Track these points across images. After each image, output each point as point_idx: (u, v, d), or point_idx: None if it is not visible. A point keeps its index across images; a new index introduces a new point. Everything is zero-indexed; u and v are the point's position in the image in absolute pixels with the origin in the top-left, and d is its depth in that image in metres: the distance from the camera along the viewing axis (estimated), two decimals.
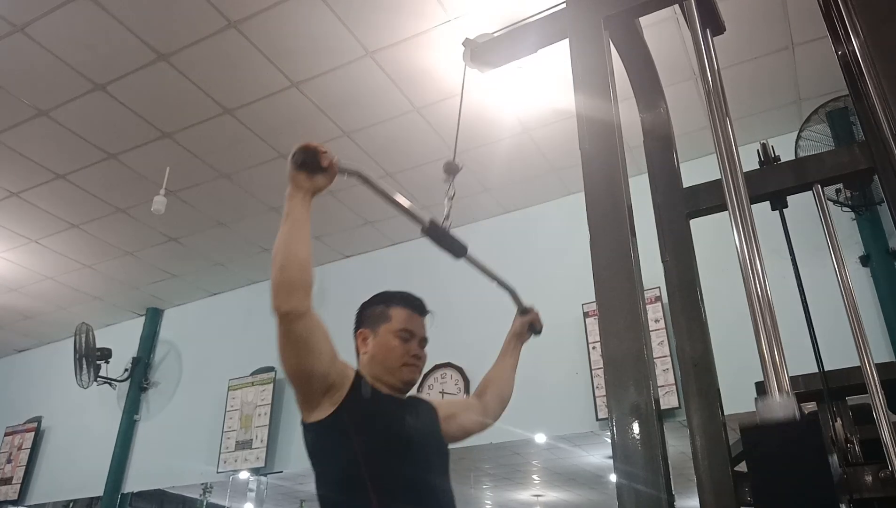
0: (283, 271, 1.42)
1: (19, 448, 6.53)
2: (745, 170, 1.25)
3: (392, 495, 1.53)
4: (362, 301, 1.89)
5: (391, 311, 1.81)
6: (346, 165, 1.57)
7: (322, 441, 1.61)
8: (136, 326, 6.46)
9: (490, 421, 2.03)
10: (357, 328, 1.84)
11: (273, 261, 1.44)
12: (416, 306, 1.85)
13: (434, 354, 5.30)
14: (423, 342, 1.85)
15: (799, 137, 3.77)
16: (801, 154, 3.64)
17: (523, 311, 2.13)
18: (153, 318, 6.45)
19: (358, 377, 1.65)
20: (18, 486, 6.31)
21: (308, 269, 1.45)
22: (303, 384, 1.57)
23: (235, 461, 5.21)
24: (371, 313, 1.83)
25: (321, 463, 1.63)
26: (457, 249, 1.76)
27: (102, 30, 3.47)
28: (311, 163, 1.49)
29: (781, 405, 0.96)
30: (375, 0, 3.35)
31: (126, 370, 6.14)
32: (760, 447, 0.96)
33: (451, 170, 1.92)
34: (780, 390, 0.98)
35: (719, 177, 1.22)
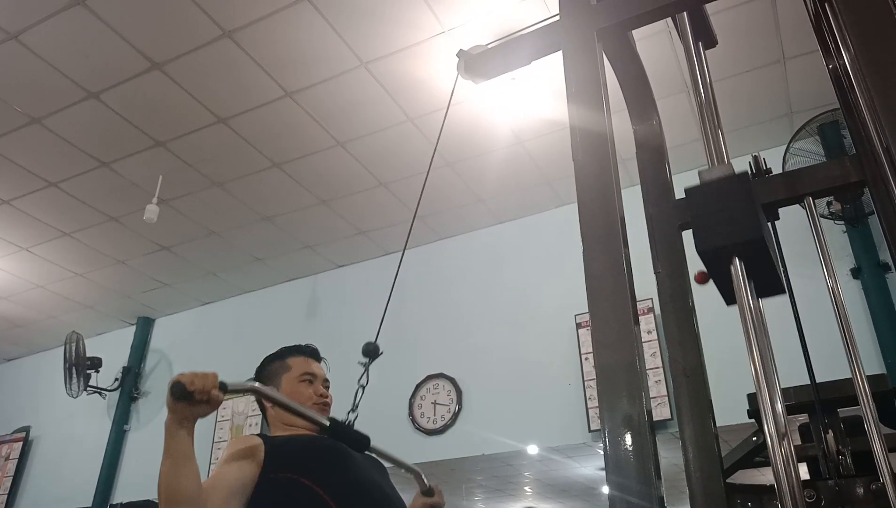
0: (170, 506, 1.37)
1: (7, 459, 6.46)
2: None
3: (341, 495, 1.57)
4: (263, 359, 1.93)
5: (288, 361, 1.86)
6: (234, 385, 1.45)
7: (264, 500, 1.59)
8: (127, 335, 6.42)
9: None
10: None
11: (158, 496, 1.38)
12: (310, 352, 1.91)
13: (427, 364, 5.32)
14: (326, 383, 1.89)
15: (787, 151, 3.79)
16: (789, 169, 3.67)
17: (426, 492, 2.06)
18: (144, 327, 6.42)
19: (263, 440, 1.65)
20: (5, 497, 6.24)
21: (198, 500, 1.38)
22: None
23: None
24: (269, 370, 1.87)
25: None
26: (359, 443, 1.71)
27: (96, 38, 3.47)
28: (191, 396, 1.38)
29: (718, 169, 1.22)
30: (370, 11, 3.36)
31: (116, 379, 6.10)
32: (700, 200, 1.20)
33: (371, 354, 1.84)
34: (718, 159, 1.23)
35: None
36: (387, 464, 1.90)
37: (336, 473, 1.64)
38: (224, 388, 1.40)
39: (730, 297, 1.15)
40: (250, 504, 1.56)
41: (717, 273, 1.17)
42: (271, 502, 1.57)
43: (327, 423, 1.68)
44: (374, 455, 1.85)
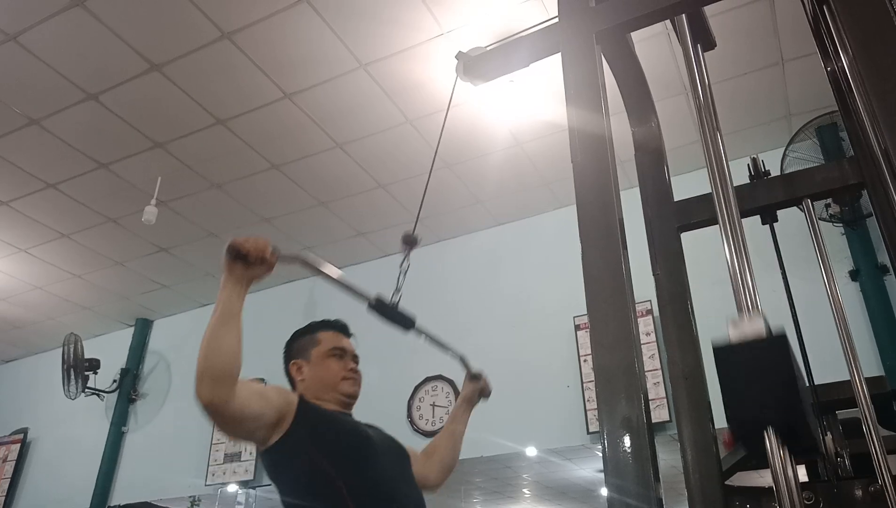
0: (208, 361, 1.42)
1: (4, 460, 6.45)
2: (735, 184, 1.26)
3: (359, 491, 1.56)
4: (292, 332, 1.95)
5: (318, 336, 1.87)
6: (286, 253, 1.55)
7: (281, 461, 1.63)
8: (126, 336, 6.41)
9: (429, 485, 2.01)
10: (288, 361, 1.87)
11: (200, 350, 1.43)
12: (340, 327, 1.92)
13: (426, 366, 5.31)
14: (356, 358, 1.90)
15: (785, 154, 3.80)
16: (787, 171, 3.67)
17: (473, 377, 2.15)
18: (142, 329, 6.41)
19: (301, 398, 1.68)
20: (3, 498, 6.23)
21: (236, 361, 1.44)
22: (252, 440, 1.62)
23: (224, 473, 5.17)
24: (299, 344, 1.88)
25: (284, 482, 1.64)
26: (405, 322, 1.78)
27: (95, 39, 3.47)
28: (246, 259, 1.47)
29: (751, 325, 1.01)
30: (369, 13, 3.37)
31: (114, 381, 6.09)
32: (731, 364, 1.01)
33: (410, 242, 1.90)
34: (749, 310, 1.02)
35: (710, 191, 1.22)
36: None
37: (358, 460, 1.63)
38: (277, 253, 1.51)
39: (762, 461, 1.01)
40: (268, 456, 1.59)
41: (748, 440, 1.03)
42: (288, 465, 1.59)
43: (373, 299, 1.73)
44: (421, 335, 1.91)
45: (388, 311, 1.76)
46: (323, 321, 1.91)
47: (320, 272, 1.66)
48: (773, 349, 1.00)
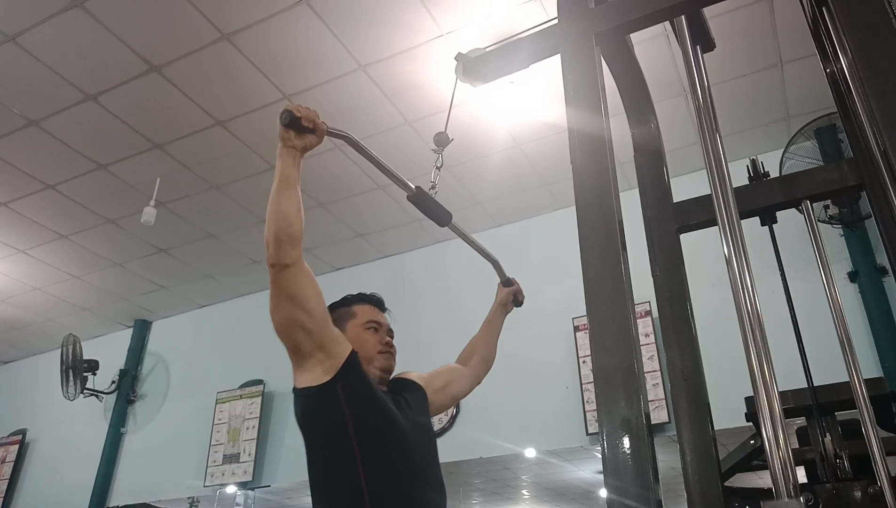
0: (275, 225, 1.50)
1: (3, 461, 6.44)
2: (734, 185, 1.26)
3: (376, 483, 1.53)
4: None
5: (354, 308, 1.84)
6: (334, 129, 1.62)
7: (312, 410, 1.59)
8: (124, 337, 6.40)
9: (477, 384, 2.18)
10: None
11: (267, 216, 1.51)
12: (376, 301, 1.90)
13: (425, 367, 5.27)
14: (391, 332, 1.88)
15: (784, 155, 3.80)
16: (787, 172, 3.67)
17: (506, 282, 2.27)
18: (141, 330, 6.40)
19: (354, 353, 1.63)
20: (1, 500, 6.22)
21: (295, 224, 1.51)
22: (289, 340, 1.57)
23: (223, 474, 5.16)
24: (334, 316, 1.81)
25: (310, 435, 1.61)
26: (442, 216, 1.85)
27: (94, 40, 3.47)
28: (298, 123, 1.53)
29: None
30: (369, 14, 3.37)
31: (113, 382, 6.09)
32: None
33: (442, 142, 2.04)
34: (786, 491, 0.94)
35: (709, 192, 1.22)
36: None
37: (385, 450, 1.59)
38: (325, 124, 1.58)
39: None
40: (306, 404, 1.59)
41: None
42: (319, 423, 1.58)
43: (414, 189, 1.79)
44: (456, 232, 2.00)
45: (428, 202, 1.81)
46: (359, 294, 1.89)
47: (366, 153, 1.74)
48: None
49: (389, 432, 1.61)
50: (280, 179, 1.53)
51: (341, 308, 1.84)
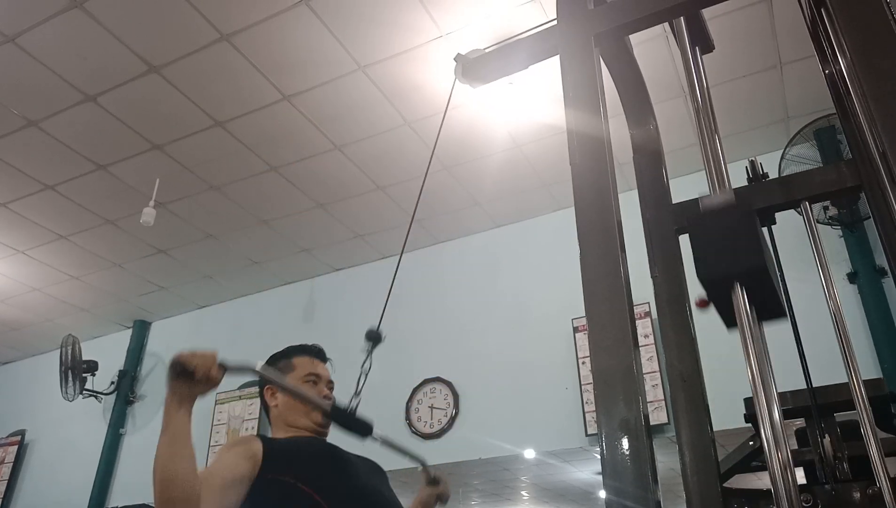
0: (164, 488, 1.35)
1: (2, 462, 6.44)
2: (733, 186, 1.26)
3: (338, 501, 1.56)
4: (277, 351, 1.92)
5: (293, 361, 1.84)
6: (234, 363, 1.48)
7: (259, 500, 1.58)
8: (124, 338, 6.40)
9: None
10: (262, 386, 1.84)
11: (153, 475, 1.37)
12: (315, 352, 1.89)
13: (424, 368, 5.30)
14: (331, 384, 1.87)
15: (783, 156, 3.81)
16: (785, 173, 3.68)
17: (431, 481, 2.01)
18: (140, 330, 6.40)
19: (263, 439, 1.64)
20: (0, 501, 6.21)
21: (191, 484, 1.37)
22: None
23: None
24: (277, 367, 1.84)
25: None
26: (362, 429, 1.68)
27: (94, 41, 3.47)
28: (191, 376, 1.39)
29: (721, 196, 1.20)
30: (368, 15, 3.37)
31: (112, 382, 6.08)
32: (703, 228, 1.19)
33: (373, 338, 1.80)
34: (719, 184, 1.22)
35: (708, 193, 1.22)
36: (383, 472, 1.90)
37: (336, 479, 1.63)
38: (224, 367, 1.43)
39: (730, 321, 1.15)
40: (246, 503, 1.55)
41: (719, 299, 1.17)
42: (269, 503, 1.56)
43: (328, 408, 1.68)
44: (374, 459, 1.86)
45: (346, 417, 1.67)
46: (300, 346, 1.89)
47: (272, 381, 1.67)
48: (736, 211, 1.18)
49: (328, 459, 1.66)
50: (171, 435, 1.40)
51: (282, 361, 1.85)
